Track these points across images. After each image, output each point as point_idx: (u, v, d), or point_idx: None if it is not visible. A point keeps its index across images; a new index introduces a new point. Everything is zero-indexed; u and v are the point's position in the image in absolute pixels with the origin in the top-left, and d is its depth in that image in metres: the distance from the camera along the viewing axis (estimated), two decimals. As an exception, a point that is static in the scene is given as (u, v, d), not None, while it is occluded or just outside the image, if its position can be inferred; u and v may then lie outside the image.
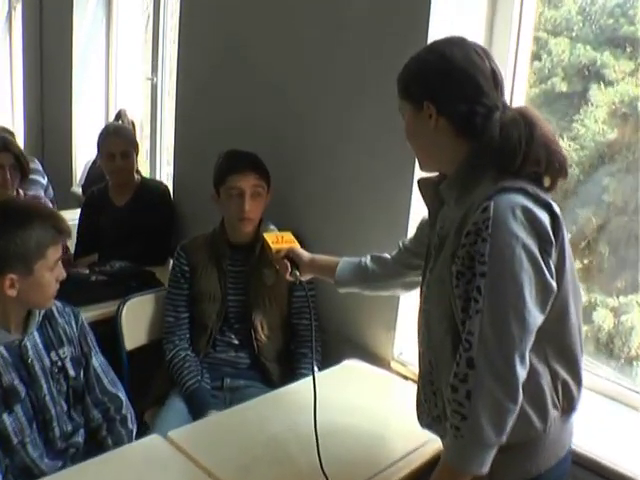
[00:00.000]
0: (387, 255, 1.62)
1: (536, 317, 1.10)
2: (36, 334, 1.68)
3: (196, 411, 2.03)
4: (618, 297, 1.90)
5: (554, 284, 1.11)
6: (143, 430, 2.02)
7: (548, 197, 1.15)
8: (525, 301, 1.07)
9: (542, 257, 1.09)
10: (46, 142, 4.85)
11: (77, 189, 4.09)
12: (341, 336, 2.20)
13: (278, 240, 1.68)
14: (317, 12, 2.20)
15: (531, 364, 1.12)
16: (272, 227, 1.73)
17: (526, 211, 1.09)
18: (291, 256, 1.67)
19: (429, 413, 1.29)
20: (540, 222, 1.09)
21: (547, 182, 1.18)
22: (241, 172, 2.10)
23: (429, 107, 1.19)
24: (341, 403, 1.76)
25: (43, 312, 1.70)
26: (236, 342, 2.19)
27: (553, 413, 1.19)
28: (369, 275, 1.61)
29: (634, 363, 1.85)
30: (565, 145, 1.91)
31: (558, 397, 1.19)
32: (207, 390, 2.11)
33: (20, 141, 4.90)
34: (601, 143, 1.87)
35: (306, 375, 2.02)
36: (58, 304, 1.78)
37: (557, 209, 1.13)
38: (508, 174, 1.14)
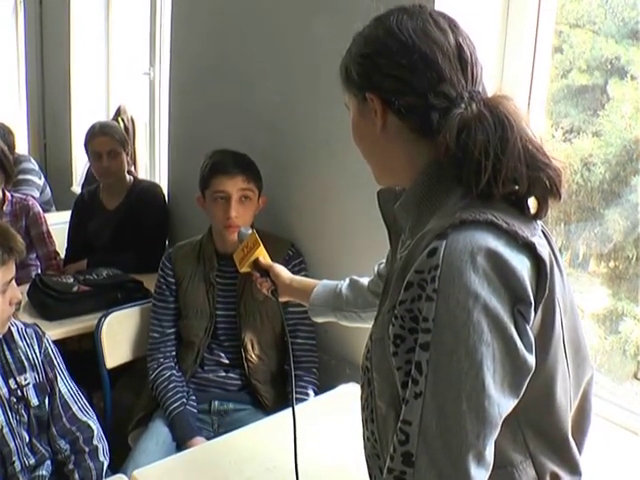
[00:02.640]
0: (365, 280, 1.37)
1: (502, 405, 0.78)
2: (-8, 361, 1.52)
3: (180, 437, 1.86)
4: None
5: (531, 360, 0.79)
6: (126, 453, 1.88)
7: (531, 231, 0.83)
8: (485, 386, 0.76)
9: (515, 323, 0.77)
10: (48, 141, 4.74)
11: (77, 189, 3.98)
12: (340, 355, 1.99)
13: (244, 254, 1.47)
14: (316, 7, 1.99)
15: (501, 452, 0.82)
16: (248, 231, 1.52)
17: (493, 257, 0.77)
18: (260, 266, 1.45)
19: None
20: (513, 272, 0.77)
21: (533, 206, 0.86)
22: (227, 173, 1.90)
23: (372, 100, 0.91)
24: (334, 436, 1.56)
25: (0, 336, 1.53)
26: (226, 361, 1.99)
27: None
28: (342, 303, 1.36)
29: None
30: (590, 142, 1.71)
31: None
32: (193, 414, 1.92)
33: (24, 140, 4.80)
34: (628, 140, 1.68)
35: (300, 400, 1.85)
36: (19, 325, 1.61)
37: (542, 251, 0.80)
38: (476, 196, 0.83)
